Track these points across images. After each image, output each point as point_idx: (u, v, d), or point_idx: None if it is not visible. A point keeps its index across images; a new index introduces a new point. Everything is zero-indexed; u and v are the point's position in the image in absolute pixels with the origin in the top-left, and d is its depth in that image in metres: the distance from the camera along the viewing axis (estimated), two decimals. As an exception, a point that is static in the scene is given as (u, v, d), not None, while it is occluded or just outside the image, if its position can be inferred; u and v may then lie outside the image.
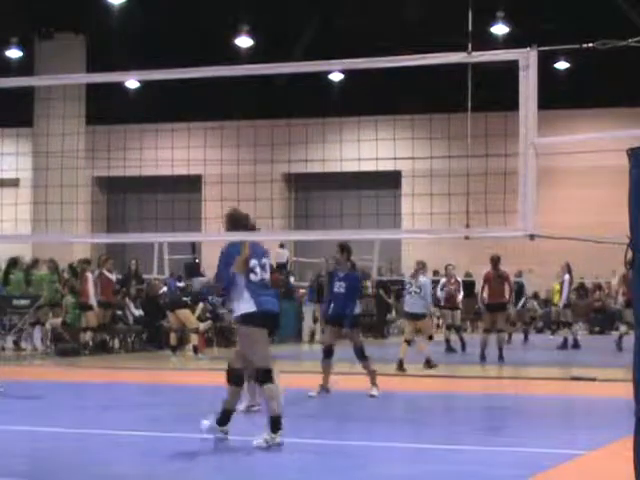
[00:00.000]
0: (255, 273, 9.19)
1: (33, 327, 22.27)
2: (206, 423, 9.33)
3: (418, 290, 18.15)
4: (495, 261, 20.76)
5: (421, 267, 18.70)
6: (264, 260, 9.33)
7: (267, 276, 9.32)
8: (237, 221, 9.42)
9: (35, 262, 23.16)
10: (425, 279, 18.52)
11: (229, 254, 9.23)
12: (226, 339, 25.11)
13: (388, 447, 9.33)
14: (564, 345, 24.26)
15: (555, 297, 27.44)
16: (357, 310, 13.72)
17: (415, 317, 18.18)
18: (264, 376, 9.14)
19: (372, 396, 13.23)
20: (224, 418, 9.30)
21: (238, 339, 9.67)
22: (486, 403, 13.68)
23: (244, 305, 9.14)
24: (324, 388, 13.56)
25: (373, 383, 13.49)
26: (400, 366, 17.67)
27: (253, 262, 9.20)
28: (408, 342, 18.12)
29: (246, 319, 9.13)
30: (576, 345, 24.24)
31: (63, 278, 23.35)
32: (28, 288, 22.52)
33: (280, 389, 9.30)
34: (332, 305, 13.71)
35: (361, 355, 13.63)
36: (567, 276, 24.05)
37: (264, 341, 9.23)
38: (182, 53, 27.47)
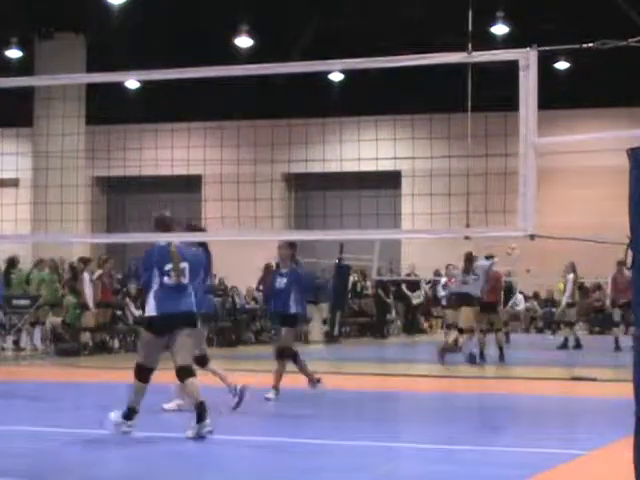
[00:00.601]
0: (169, 276, 9.66)
1: (33, 327, 22.28)
2: (113, 416, 9.61)
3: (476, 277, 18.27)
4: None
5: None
6: (183, 264, 9.79)
7: (185, 280, 9.74)
8: (160, 223, 10.00)
9: (39, 262, 23.20)
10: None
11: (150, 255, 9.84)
12: (226, 339, 25.14)
13: (388, 447, 9.33)
14: (565, 345, 24.25)
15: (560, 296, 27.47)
16: (295, 309, 13.12)
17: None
18: (185, 373, 9.60)
19: (268, 399, 12.64)
20: (130, 413, 9.59)
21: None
22: (486, 403, 13.68)
23: (148, 308, 9.70)
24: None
25: (275, 386, 12.86)
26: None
27: (168, 266, 9.69)
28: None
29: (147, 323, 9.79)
30: (578, 345, 24.21)
31: (63, 278, 23.37)
32: (28, 288, 22.54)
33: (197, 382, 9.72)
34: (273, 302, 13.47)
35: (278, 355, 13.13)
36: (571, 275, 24.01)
37: (154, 343, 9.67)
38: (182, 53, 27.46)
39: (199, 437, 9.26)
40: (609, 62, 26.24)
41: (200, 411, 9.41)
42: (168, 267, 9.74)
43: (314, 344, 26.47)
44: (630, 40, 5.77)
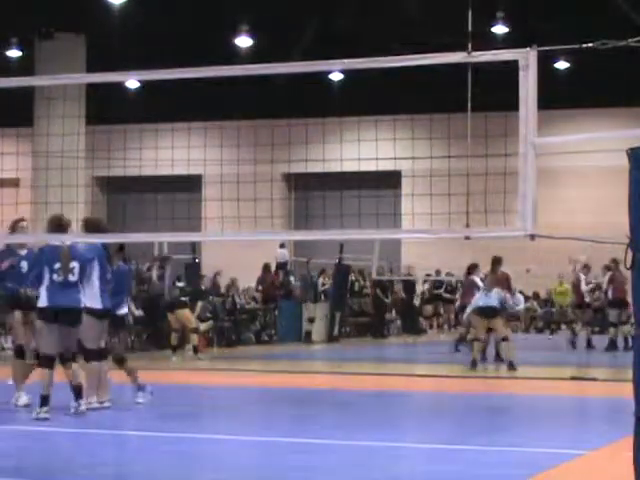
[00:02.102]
0: (58, 274, 10.72)
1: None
2: (23, 399, 11.32)
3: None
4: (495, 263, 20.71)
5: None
6: (73, 264, 10.78)
7: (73, 278, 10.79)
8: (53, 223, 10.91)
9: None
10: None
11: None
12: (226, 339, 25.13)
13: (388, 447, 9.33)
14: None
15: (565, 297, 27.40)
16: (123, 309, 12.65)
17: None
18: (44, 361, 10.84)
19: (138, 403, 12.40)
20: (43, 401, 10.65)
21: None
22: (486, 403, 13.67)
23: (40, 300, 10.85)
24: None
25: (137, 384, 12.54)
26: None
27: (57, 265, 10.74)
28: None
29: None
30: (581, 345, 23.96)
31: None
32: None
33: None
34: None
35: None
36: (583, 275, 23.84)
37: (48, 331, 10.79)
38: (182, 53, 27.46)
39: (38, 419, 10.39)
40: (609, 62, 26.22)
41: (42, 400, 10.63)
42: (57, 266, 10.75)
43: (316, 344, 26.49)
44: (630, 40, 5.77)
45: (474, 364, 17.84)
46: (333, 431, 10.40)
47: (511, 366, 17.61)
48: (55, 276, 10.77)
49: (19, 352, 12.00)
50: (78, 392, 10.97)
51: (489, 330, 20.82)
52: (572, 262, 23.69)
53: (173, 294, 21.90)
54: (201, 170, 31.96)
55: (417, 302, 32.98)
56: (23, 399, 11.68)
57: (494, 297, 18.28)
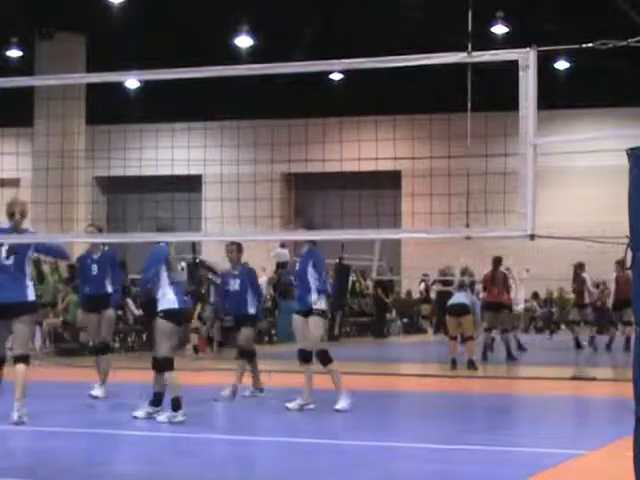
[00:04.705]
0: None
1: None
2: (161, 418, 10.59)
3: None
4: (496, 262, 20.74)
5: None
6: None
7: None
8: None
9: (39, 262, 23.19)
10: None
11: None
12: (226, 339, 25.11)
13: (388, 447, 9.33)
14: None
15: (570, 298, 27.35)
16: (252, 310, 13.19)
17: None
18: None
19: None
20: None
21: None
22: (486, 403, 13.68)
23: None
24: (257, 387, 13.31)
25: (236, 383, 12.99)
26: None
27: None
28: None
29: None
30: (579, 345, 23.95)
31: (63, 278, 23.35)
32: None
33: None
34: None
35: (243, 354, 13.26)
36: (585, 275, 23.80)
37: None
38: (182, 53, 27.45)
39: None
40: (609, 62, 26.23)
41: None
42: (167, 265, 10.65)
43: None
44: (630, 40, 5.77)
45: (454, 363, 17.85)
46: (332, 431, 10.40)
47: (471, 364, 17.76)
48: (170, 275, 10.58)
49: (103, 348, 13.13)
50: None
51: (488, 330, 20.87)
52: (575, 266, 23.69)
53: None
54: (201, 170, 31.97)
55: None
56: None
57: (464, 295, 18.31)
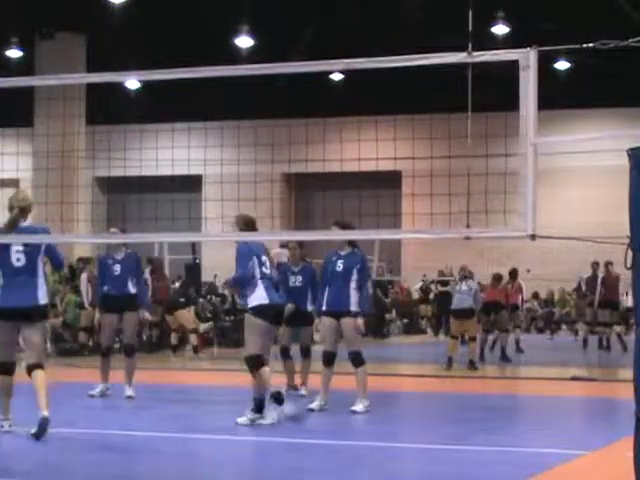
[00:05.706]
0: None
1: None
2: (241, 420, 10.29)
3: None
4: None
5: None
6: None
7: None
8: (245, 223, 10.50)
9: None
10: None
11: None
12: (226, 339, 25.11)
13: (388, 447, 9.33)
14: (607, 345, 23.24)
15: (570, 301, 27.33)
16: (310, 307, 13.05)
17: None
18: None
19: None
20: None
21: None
22: (486, 403, 13.67)
23: None
24: (291, 386, 13.31)
25: (303, 382, 13.15)
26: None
27: None
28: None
29: None
30: (608, 346, 23.74)
31: (63, 278, 23.35)
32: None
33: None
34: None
35: (305, 353, 13.34)
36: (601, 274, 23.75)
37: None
38: (182, 53, 27.46)
39: None
40: (609, 62, 26.23)
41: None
42: (264, 259, 10.51)
43: (316, 344, 26.43)
44: (630, 40, 5.76)
45: (450, 362, 17.92)
46: (332, 431, 10.40)
47: (472, 365, 17.84)
48: (265, 271, 10.42)
49: (128, 350, 13.14)
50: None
51: (487, 330, 20.87)
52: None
53: (172, 295, 21.91)
54: (201, 170, 31.98)
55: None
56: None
57: (468, 295, 18.33)
